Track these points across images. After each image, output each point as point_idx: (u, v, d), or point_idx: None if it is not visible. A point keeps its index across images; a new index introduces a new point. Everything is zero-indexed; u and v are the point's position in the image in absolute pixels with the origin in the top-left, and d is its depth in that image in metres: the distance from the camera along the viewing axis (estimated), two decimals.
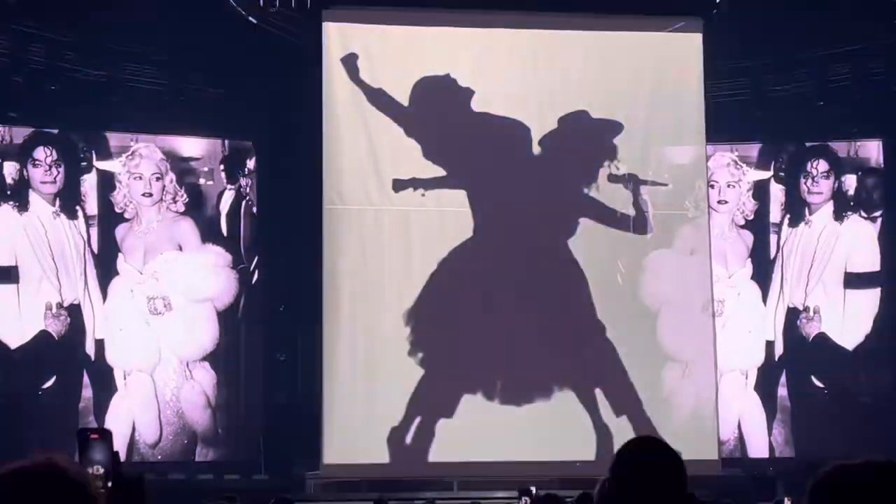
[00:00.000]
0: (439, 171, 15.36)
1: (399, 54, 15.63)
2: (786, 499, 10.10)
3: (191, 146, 16.17)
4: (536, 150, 15.64)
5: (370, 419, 14.76)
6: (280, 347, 16.22)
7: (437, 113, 15.60)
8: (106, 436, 3.71)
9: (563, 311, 15.40)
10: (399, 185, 15.21)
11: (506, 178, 15.51)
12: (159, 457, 15.49)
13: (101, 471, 3.68)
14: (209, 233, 16.02)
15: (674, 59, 16.09)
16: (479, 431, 14.77)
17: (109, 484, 3.57)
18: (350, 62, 15.30)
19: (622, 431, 14.67)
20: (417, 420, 14.86)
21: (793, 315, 16.45)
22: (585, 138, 15.73)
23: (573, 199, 15.59)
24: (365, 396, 14.87)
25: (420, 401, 14.88)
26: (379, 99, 15.27)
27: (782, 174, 16.75)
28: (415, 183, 15.21)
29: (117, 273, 15.48)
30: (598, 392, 15.16)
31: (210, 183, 16.17)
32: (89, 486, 1.93)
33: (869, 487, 2.03)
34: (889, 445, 13.47)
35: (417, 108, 15.41)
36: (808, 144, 16.78)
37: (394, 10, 15.83)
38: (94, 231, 15.45)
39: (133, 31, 15.25)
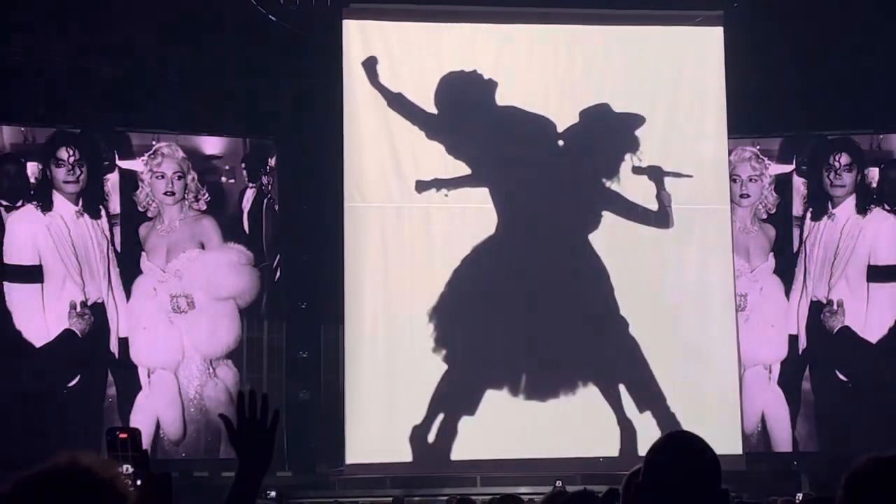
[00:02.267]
0: (462, 168, 15.37)
1: (419, 51, 15.64)
2: (799, 494, 10.08)
3: (212, 145, 16.20)
4: (559, 144, 15.63)
5: (392, 417, 14.77)
6: (302, 345, 16.24)
7: (459, 109, 15.58)
8: (135, 435, 3.73)
9: (586, 307, 15.38)
10: (422, 187, 15.21)
11: (528, 173, 15.50)
12: (183, 454, 15.54)
13: (130, 470, 3.69)
14: (231, 231, 16.04)
15: (695, 52, 16.06)
16: (502, 429, 14.77)
17: (139, 483, 3.58)
18: (370, 66, 15.29)
19: (646, 427, 14.67)
20: (440, 418, 14.86)
21: (816, 309, 16.36)
22: (607, 131, 15.71)
23: (596, 193, 15.58)
24: (387, 395, 14.88)
25: (442, 398, 14.88)
26: (399, 104, 15.27)
27: (804, 167, 16.66)
28: (437, 183, 15.21)
29: (140, 272, 15.53)
30: (622, 387, 15.14)
31: (232, 181, 16.20)
32: (116, 481, 1.93)
33: None
34: None
35: (440, 105, 15.40)
36: (829, 137, 16.69)
37: (414, 7, 15.84)
38: (116, 230, 15.50)
39: (153, 30, 15.29)
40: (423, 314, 15.06)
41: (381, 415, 14.79)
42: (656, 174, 15.41)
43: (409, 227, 15.34)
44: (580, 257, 15.41)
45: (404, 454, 14.76)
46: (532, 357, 15.05)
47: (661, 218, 15.48)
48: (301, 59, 15.87)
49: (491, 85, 15.52)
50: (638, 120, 15.62)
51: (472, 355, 15.11)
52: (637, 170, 15.40)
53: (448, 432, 14.88)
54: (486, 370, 15.05)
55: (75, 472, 1.89)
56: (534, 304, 15.13)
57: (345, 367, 15.09)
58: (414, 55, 15.62)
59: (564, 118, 15.65)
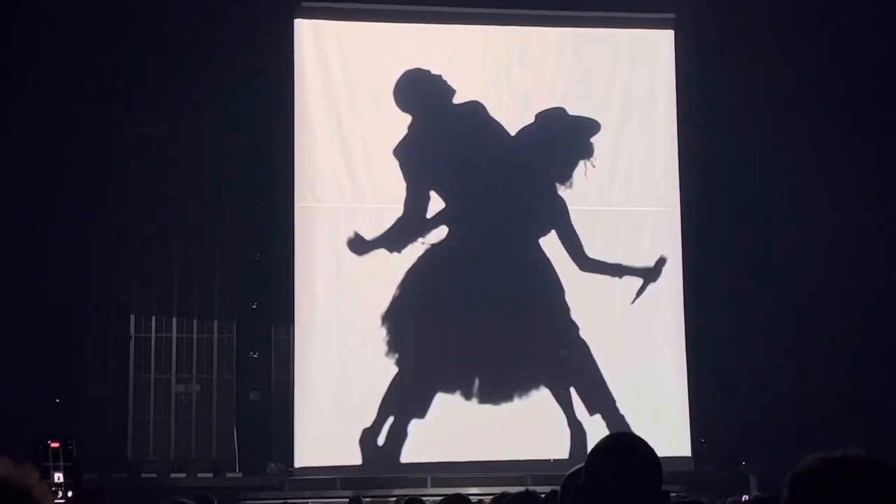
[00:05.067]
0: (414, 171, 15.33)
1: (372, 51, 15.57)
2: (745, 495, 10.16)
3: None
4: (513, 147, 15.64)
5: (343, 419, 14.70)
6: (253, 345, 16.15)
7: (415, 110, 15.48)
8: (66, 444, 3.69)
9: (537, 310, 15.39)
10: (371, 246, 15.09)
11: (481, 176, 15.50)
12: (130, 455, 15.42)
13: (62, 479, 3.64)
14: None
15: (646, 55, 16.13)
16: (452, 432, 14.75)
17: (70, 494, 3.53)
18: (358, 244, 15.10)
19: (596, 429, 14.70)
20: (390, 421, 14.82)
21: None
22: (562, 136, 15.73)
23: (547, 199, 15.58)
24: (338, 396, 14.80)
25: (393, 401, 14.84)
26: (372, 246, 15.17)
27: None
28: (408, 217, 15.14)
29: None
30: (572, 390, 15.17)
31: None
32: (33, 489, 1.90)
33: (849, 479, 2.06)
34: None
35: (400, 103, 15.33)
36: None
37: (366, 7, 15.76)
38: None
39: (103, 29, 15.14)
40: (375, 316, 15.01)
41: (331, 417, 14.72)
42: (653, 275, 15.46)
43: (361, 227, 15.28)
44: (532, 261, 15.42)
45: (354, 457, 14.71)
46: (483, 360, 15.04)
47: (585, 263, 15.42)
48: (253, 58, 15.76)
49: (447, 88, 15.50)
50: (593, 126, 15.66)
51: (423, 357, 15.08)
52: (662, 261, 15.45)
53: (398, 435, 14.84)
54: (437, 373, 15.02)
55: None
56: (486, 306, 15.12)
57: (294, 368, 15.01)
58: (366, 55, 15.55)
59: (517, 119, 15.67)
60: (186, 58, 15.74)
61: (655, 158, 15.95)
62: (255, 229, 16.14)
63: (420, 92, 15.44)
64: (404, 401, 14.88)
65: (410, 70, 15.47)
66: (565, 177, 15.60)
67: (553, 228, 15.49)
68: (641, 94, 16.00)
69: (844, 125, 15.83)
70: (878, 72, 15.85)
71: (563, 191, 15.61)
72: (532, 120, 15.71)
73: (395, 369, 14.96)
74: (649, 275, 15.53)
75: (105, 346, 15.71)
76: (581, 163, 15.63)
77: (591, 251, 15.55)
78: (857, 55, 15.77)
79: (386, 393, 14.83)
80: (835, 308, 15.48)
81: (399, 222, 15.18)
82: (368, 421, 14.76)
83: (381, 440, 14.79)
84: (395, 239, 15.13)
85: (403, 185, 15.34)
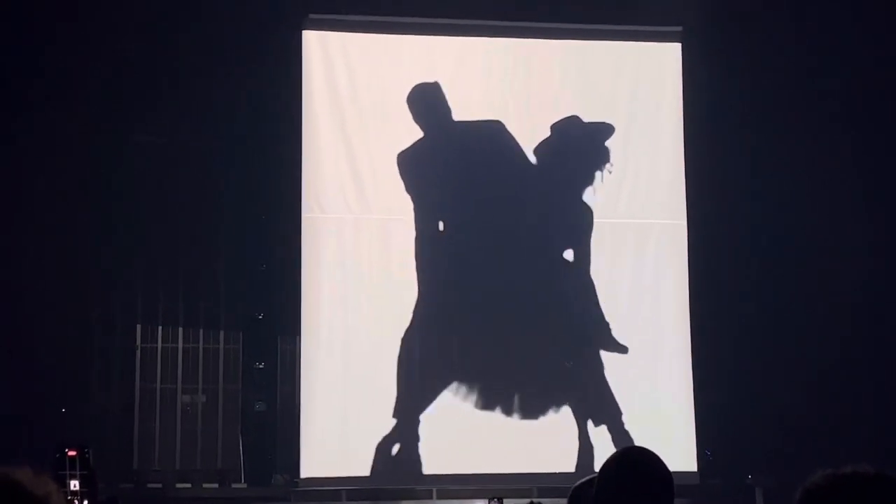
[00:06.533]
0: (425, 182, 15.34)
1: (379, 63, 15.60)
2: None
3: None
4: (528, 158, 15.62)
5: (348, 431, 14.68)
6: (259, 356, 16.16)
7: (427, 122, 15.49)
8: (83, 453, 3.68)
9: (547, 323, 15.35)
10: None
11: (497, 189, 15.48)
12: (136, 465, 15.41)
13: (78, 487, 3.64)
14: None
15: (652, 67, 16.14)
16: (458, 444, 14.73)
17: (86, 503, 3.53)
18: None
19: (602, 443, 14.71)
20: (396, 432, 14.79)
21: None
22: (579, 144, 15.73)
23: (568, 208, 15.56)
24: (343, 407, 14.79)
25: (399, 412, 14.82)
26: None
27: None
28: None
29: None
30: (581, 403, 15.14)
31: None
32: (50, 498, 1.91)
33: (858, 496, 2.04)
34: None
35: (415, 116, 15.35)
36: None
37: (373, 19, 15.79)
38: None
39: (106, 37, 15.16)
40: (381, 327, 15.00)
41: (337, 427, 14.70)
42: (608, 345, 15.41)
43: (367, 239, 15.29)
44: (549, 274, 15.40)
45: (360, 468, 14.69)
46: (491, 372, 15.01)
47: (581, 279, 15.40)
48: (260, 69, 15.79)
49: (458, 101, 15.54)
50: (607, 129, 15.67)
51: (430, 369, 15.05)
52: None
53: (404, 446, 14.81)
54: (443, 384, 15.00)
55: (4, 486, 1.85)
56: (495, 317, 15.10)
57: (300, 379, 15.00)
58: (374, 66, 15.58)
59: (522, 131, 15.66)
60: (192, 67, 15.77)
61: (662, 170, 15.95)
62: (261, 239, 16.14)
63: (434, 104, 15.44)
64: (410, 412, 14.86)
65: (427, 83, 15.47)
66: (586, 184, 15.58)
67: (575, 241, 15.47)
68: (648, 105, 16.01)
69: (855, 137, 15.83)
70: (891, 82, 15.84)
71: (584, 199, 15.56)
72: (541, 131, 15.70)
73: (402, 380, 14.94)
74: (603, 340, 15.41)
75: (111, 355, 15.71)
76: (601, 167, 15.61)
77: (596, 261, 15.54)
78: (868, 68, 15.78)
79: (394, 405, 14.80)
80: (844, 321, 15.46)
81: (419, 241, 15.18)
82: (374, 432, 14.74)
83: (387, 451, 14.76)
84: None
85: (410, 196, 15.34)
